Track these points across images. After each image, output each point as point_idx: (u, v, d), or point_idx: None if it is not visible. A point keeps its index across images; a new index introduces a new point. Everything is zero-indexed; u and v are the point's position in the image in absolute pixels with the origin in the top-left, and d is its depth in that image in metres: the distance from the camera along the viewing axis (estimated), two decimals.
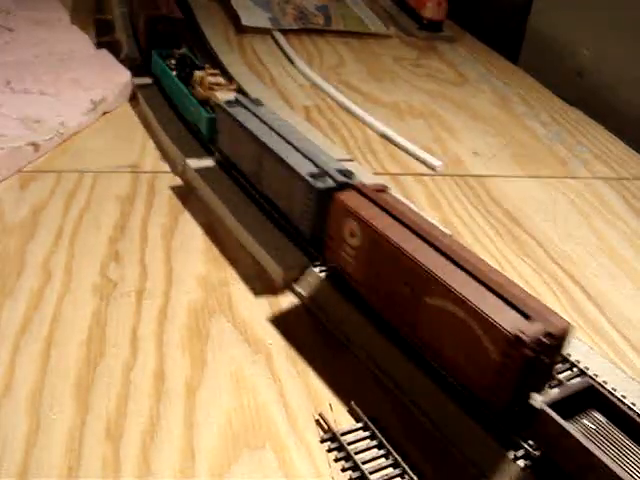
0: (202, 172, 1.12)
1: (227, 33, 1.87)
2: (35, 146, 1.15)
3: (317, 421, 0.73)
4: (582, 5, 1.92)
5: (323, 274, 0.90)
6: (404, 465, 0.68)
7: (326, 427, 0.72)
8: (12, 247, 0.94)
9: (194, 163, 1.14)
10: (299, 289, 0.91)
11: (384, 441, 0.70)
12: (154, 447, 0.67)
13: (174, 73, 1.28)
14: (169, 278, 0.92)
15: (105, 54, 1.49)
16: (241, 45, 1.81)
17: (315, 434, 0.71)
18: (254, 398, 0.75)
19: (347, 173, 0.90)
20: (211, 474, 0.66)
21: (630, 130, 1.61)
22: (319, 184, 0.87)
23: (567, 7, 1.98)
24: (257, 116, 1.04)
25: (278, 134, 0.99)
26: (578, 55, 1.92)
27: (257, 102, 1.10)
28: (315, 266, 0.91)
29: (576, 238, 1.14)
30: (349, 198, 0.83)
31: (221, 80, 1.21)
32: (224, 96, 1.13)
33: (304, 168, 0.90)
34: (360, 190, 0.85)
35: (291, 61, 1.74)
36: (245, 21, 1.91)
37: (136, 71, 1.44)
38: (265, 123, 1.01)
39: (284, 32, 1.92)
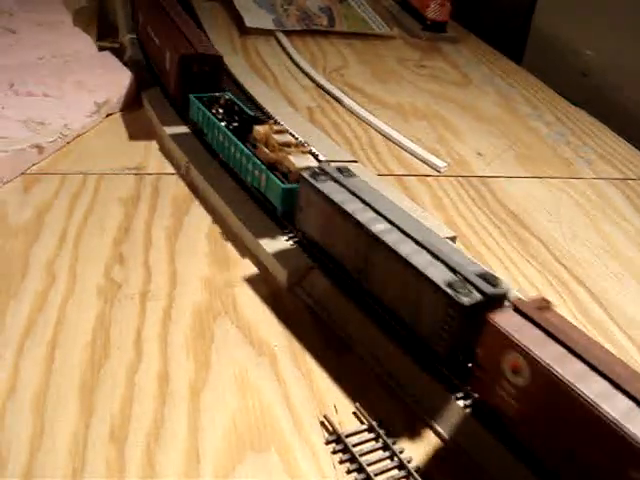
0: (205, 173, 1.11)
1: (231, 35, 1.87)
2: (39, 148, 1.15)
3: (322, 423, 0.72)
4: (586, 5, 1.92)
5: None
6: (409, 467, 0.68)
7: (331, 429, 0.71)
8: (16, 249, 0.94)
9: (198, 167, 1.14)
10: (303, 291, 0.91)
11: (389, 443, 0.70)
12: (158, 449, 0.67)
13: (223, 124, 1.11)
14: (173, 280, 0.91)
15: (108, 56, 1.50)
16: (244, 46, 1.81)
17: (320, 436, 0.71)
18: (259, 400, 0.75)
19: (492, 279, 0.73)
20: (216, 476, 0.66)
21: (635, 130, 1.60)
22: (463, 298, 0.69)
23: (571, 7, 1.98)
24: (353, 192, 0.86)
25: (386, 218, 0.82)
26: (582, 55, 1.92)
27: (345, 171, 0.92)
28: (457, 399, 0.74)
29: (581, 239, 1.14)
30: (509, 322, 0.66)
31: (291, 139, 1.03)
32: (300, 161, 0.97)
33: (437, 273, 0.73)
34: (519, 309, 0.68)
35: (295, 62, 1.74)
36: (249, 23, 1.91)
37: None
38: (365, 202, 0.84)
39: (287, 33, 1.93)
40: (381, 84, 1.69)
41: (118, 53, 1.54)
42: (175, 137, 1.22)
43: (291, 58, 1.77)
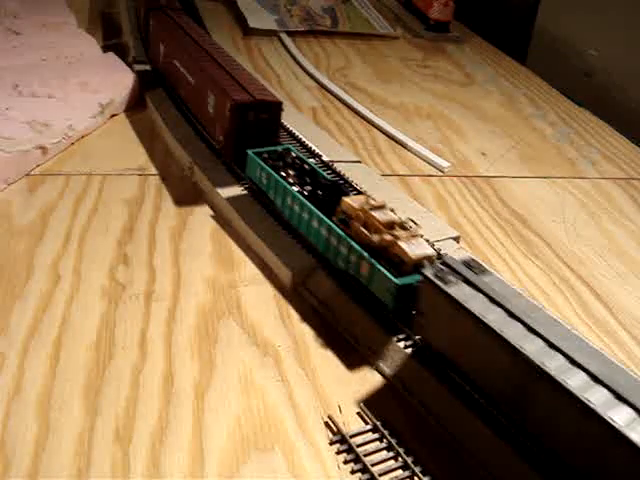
0: (210, 174, 1.12)
1: (234, 35, 1.88)
2: (43, 149, 1.16)
3: (326, 423, 0.73)
4: (589, 5, 1.91)
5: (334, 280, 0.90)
6: (413, 467, 0.68)
7: (335, 429, 0.71)
8: (21, 250, 0.94)
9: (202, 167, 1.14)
10: (308, 291, 0.91)
11: (393, 443, 0.70)
12: (163, 449, 0.67)
13: (295, 189, 0.95)
14: (177, 281, 0.92)
15: (112, 57, 1.50)
16: (248, 47, 1.81)
17: (324, 436, 0.71)
18: (263, 400, 0.75)
19: None
20: (220, 476, 0.66)
21: (638, 130, 1.60)
22: None
23: (574, 8, 1.98)
24: (492, 297, 0.70)
25: (543, 338, 0.65)
26: (586, 55, 1.91)
27: (475, 266, 0.75)
28: None
29: (585, 238, 1.14)
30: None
31: (394, 217, 0.85)
32: (414, 249, 0.80)
33: (630, 423, 0.57)
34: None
35: (298, 63, 1.74)
36: (252, 23, 1.92)
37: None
38: (509, 312, 0.68)
39: (291, 34, 1.93)
40: (384, 84, 1.69)
41: (122, 54, 1.54)
42: (179, 137, 1.22)
43: (294, 58, 1.77)
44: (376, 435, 0.71)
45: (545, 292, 0.98)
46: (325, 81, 1.63)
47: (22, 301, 0.85)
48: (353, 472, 0.67)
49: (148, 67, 1.48)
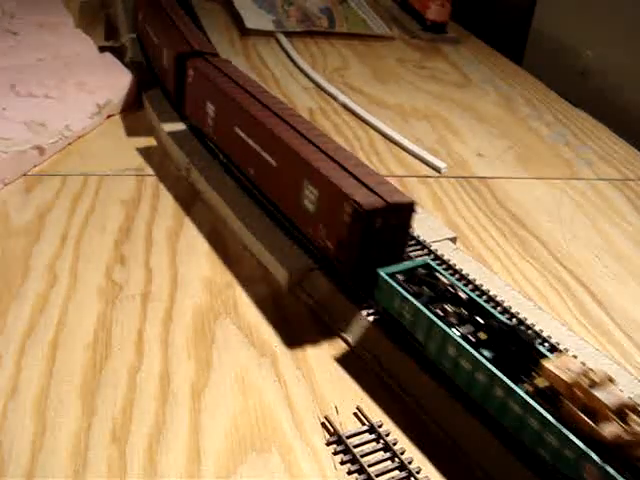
0: (207, 175, 1.12)
1: (231, 36, 1.88)
2: (40, 149, 1.16)
3: (323, 424, 0.73)
4: (585, 6, 1.92)
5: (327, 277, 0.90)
6: (410, 468, 0.68)
7: (332, 430, 0.72)
8: (18, 250, 0.94)
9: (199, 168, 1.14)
10: (304, 292, 0.91)
11: (390, 444, 0.70)
12: (160, 449, 0.68)
13: (457, 333, 0.72)
14: (174, 281, 0.92)
15: (110, 57, 1.50)
16: (245, 48, 1.81)
17: (321, 437, 0.71)
18: (260, 400, 0.75)
19: None
20: (217, 476, 0.66)
21: (634, 131, 1.60)
22: None
23: (570, 8, 1.98)
24: None
25: None
26: (582, 56, 1.92)
27: None
28: None
29: (581, 239, 1.14)
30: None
31: (623, 398, 0.62)
32: None
33: None
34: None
35: (295, 63, 1.74)
36: (249, 24, 1.92)
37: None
38: None
39: (288, 34, 1.93)
40: (381, 85, 1.69)
41: (119, 54, 1.54)
42: (176, 138, 1.22)
43: (291, 59, 1.77)
44: (373, 436, 0.71)
45: (541, 292, 0.99)
46: (322, 82, 1.63)
47: (18, 301, 0.85)
48: (350, 473, 0.67)
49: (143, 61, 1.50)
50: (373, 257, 0.83)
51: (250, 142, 1.02)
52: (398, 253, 0.86)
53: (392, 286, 0.78)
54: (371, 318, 0.84)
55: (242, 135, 1.04)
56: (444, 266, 0.94)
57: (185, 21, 1.40)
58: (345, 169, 0.87)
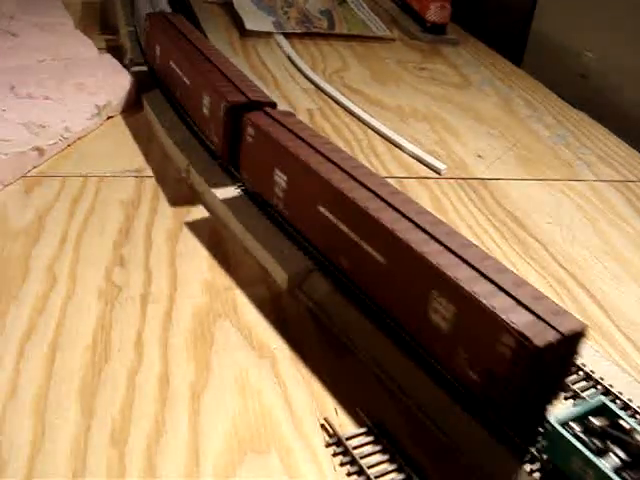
0: (206, 176, 1.12)
1: (231, 37, 1.87)
2: (40, 151, 1.15)
3: (322, 425, 0.73)
4: (585, 7, 1.92)
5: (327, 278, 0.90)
6: (409, 469, 0.68)
7: (331, 431, 0.71)
8: (17, 252, 0.94)
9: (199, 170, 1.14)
10: (303, 294, 0.91)
11: (389, 445, 0.70)
12: (159, 451, 0.67)
13: None
14: (174, 282, 0.92)
15: (109, 59, 1.50)
16: (245, 49, 1.81)
17: (320, 438, 0.71)
18: (259, 402, 0.75)
19: None
20: (216, 477, 0.66)
21: (634, 132, 1.60)
22: None
23: (570, 9, 1.98)
24: None
25: None
26: (582, 57, 1.92)
27: None
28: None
29: (581, 241, 1.14)
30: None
31: None
32: None
33: None
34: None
35: (295, 65, 1.74)
36: (249, 25, 1.92)
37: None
38: None
39: (287, 36, 1.93)
40: (381, 86, 1.69)
41: (118, 55, 1.54)
42: (175, 139, 1.22)
43: (291, 60, 1.77)
44: (372, 437, 0.71)
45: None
46: (322, 83, 1.63)
47: (18, 303, 0.85)
48: (349, 474, 0.67)
49: (145, 68, 1.47)
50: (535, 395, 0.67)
51: (343, 227, 0.83)
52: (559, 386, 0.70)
53: (570, 443, 0.61)
54: (537, 475, 0.67)
55: (330, 217, 0.85)
56: (620, 404, 0.76)
57: (226, 61, 1.22)
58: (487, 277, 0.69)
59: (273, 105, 1.05)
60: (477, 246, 0.76)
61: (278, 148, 0.93)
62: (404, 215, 0.78)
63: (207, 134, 1.14)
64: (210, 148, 1.17)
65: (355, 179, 0.84)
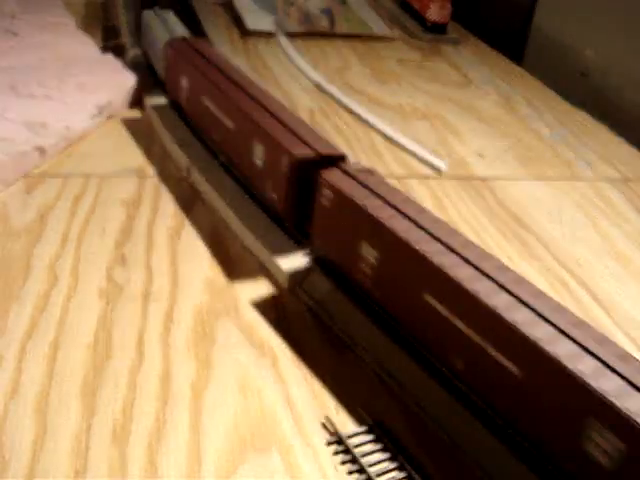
0: (207, 175, 1.12)
1: (232, 36, 1.88)
2: (41, 150, 1.16)
3: (323, 424, 0.73)
4: (586, 6, 1.92)
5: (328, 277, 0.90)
6: (410, 468, 0.68)
7: (332, 430, 0.72)
8: (18, 251, 0.94)
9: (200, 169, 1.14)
10: (304, 292, 0.91)
11: (390, 444, 0.70)
12: (160, 450, 0.68)
13: None
14: (175, 281, 0.92)
15: (110, 58, 1.50)
16: (246, 48, 1.81)
17: (321, 437, 0.71)
18: (260, 401, 0.75)
19: None
20: (217, 476, 0.66)
21: (635, 131, 1.60)
22: None
23: (571, 8, 1.98)
24: None
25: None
26: (582, 56, 1.92)
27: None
28: None
29: (582, 240, 1.14)
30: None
31: None
32: None
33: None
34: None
35: (295, 64, 1.74)
36: (249, 24, 1.92)
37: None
38: None
39: (288, 35, 1.93)
40: (382, 85, 1.69)
41: (120, 55, 1.54)
42: (177, 139, 1.22)
43: (292, 60, 1.77)
44: (373, 436, 0.71)
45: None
46: (322, 82, 1.63)
47: (19, 302, 0.85)
48: (350, 473, 0.68)
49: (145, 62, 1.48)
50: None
51: (459, 324, 0.69)
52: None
53: None
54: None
55: (439, 309, 0.71)
56: None
57: (275, 100, 1.08)
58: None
59: (343, 158, 0.91)
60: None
61: (365, 218, 0.79)
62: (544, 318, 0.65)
63: (259, 187, 1.00)
64: (210, 147, 1.17)
65: (473, 265, 0.71)
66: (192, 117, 1.22)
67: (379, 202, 0.80)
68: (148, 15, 1.46)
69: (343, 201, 0.82)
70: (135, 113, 1.38)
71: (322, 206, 0.85)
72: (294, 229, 0.96)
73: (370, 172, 0.88)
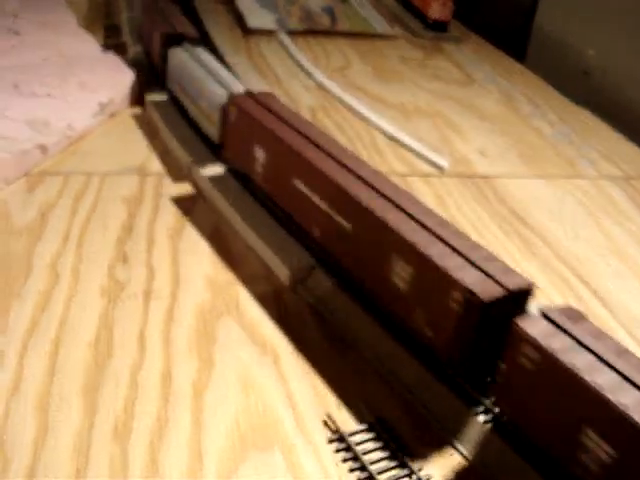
0: (209, 174, 1.12)
1: (233, 34, 1.87)
2: (42, 149, 1.16)
3: (324, 422, 0.73)
4: (588, 4, 1.91)
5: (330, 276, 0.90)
6: (411, 466, 0.68)
7: (334, 428, 0.72)
8: (20, 249, 0.94)
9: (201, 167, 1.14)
10: (306, 290, 0.91)
11: (391, 442, 0.70)
12: (162, 448, 0.68)
13: None
14: (176, 279, 0.92)
15: (112, 56, 1.50)
16: (247, 46, 1.81)
17: (322, 435, 0.71)
18: (262, 399, 0.75)
19: None
20: (219, 475, 0.66)
21: (637, 129, 1.60)
22: None
23: (573, 6, 1.98)
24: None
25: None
26: (585, 54, 1.91)
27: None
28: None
29: (584, 238, 1.14)
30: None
31: None
32: None
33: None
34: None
35: (297, 62, 1.74)
36: (251, 23, 1.92)
37: None
38: None
39: (290, 33, 1.93)
40: (383, 83, 1.69)
41: (122, 53, 1.54)
42: (178, 137, 1.22)
43: (293, 58, 1.77)
44: (374, 434, 0.71)
45: (544, 291, 0.98)
46: (324, 80, 1.63)
47: (21, 300, 0.85)
48: (351, 470, 0.67)
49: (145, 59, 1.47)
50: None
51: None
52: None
53: None
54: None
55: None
56: None
57: (404, 192, 0.83)
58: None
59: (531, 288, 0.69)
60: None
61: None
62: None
63: (397, 309, 0.78)
64: (211, 146, 1.17)
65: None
66: (273, 196, 0.99)
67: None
68: (179, 54, 1.25)
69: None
70: (137, 111, 1.38)
71: (520, 372, 0.65)
72: (464, 380, 0.73)
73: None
